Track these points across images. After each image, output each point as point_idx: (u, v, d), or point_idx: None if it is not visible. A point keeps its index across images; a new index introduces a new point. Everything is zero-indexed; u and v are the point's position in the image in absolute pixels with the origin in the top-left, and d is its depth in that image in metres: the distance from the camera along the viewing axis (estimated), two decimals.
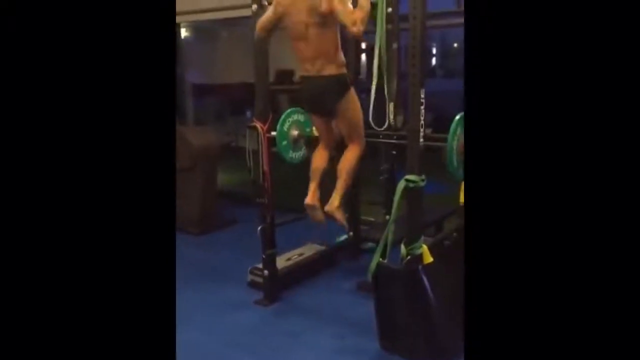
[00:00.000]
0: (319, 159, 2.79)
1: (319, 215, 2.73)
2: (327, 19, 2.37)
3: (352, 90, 2.57)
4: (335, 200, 2.67)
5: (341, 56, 2.51)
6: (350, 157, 2.68)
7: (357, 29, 2.26)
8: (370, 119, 2.89)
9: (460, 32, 1.30)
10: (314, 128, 3.20)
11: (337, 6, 2.30)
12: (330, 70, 2.47)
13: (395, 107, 3.00)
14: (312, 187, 2.73)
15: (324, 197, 2.71)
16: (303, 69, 2.57)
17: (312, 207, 2.71)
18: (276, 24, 2.57)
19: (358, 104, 2.64)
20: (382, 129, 2.93)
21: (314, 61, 2.49)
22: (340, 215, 2.71)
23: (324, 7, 2.32)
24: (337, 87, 2.51)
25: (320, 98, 2.56)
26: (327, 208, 2.67)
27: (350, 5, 2.35)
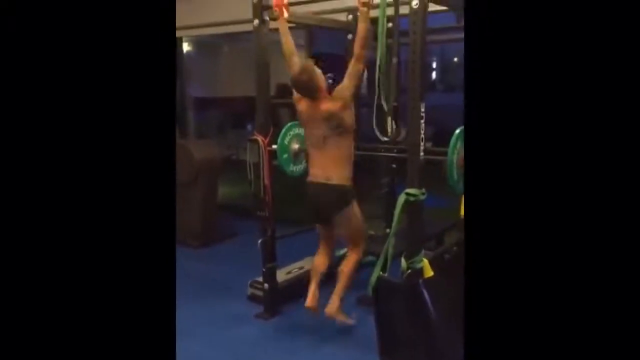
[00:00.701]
0: (319, 262, 2.89)
1: (318, 314, 2.79)
2: (344, 129, 2.55)
3: (355, 203, 2.69)
4: (334, 304, 2.75)
5: (350, 166, 2.64)
6: (351, 262, 2.80)
7: (359, 67, 2.51)
8: (375, 129, 2.94)
9: (460, 46, 1.31)
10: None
11: (346, 91, 2.52)
12: (336, 180, 2.60)
13: (394, 120, 3.03)
14: (312, 289, 2.82)
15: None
16: (311, 174, 2.69)
17: (313, 308, 2.79)
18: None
19: (359, 214, 2.73)
20: (383, 141, 2.95)
21: (324, 169, 2.61)
22: (342, 317, 2.78)
23: (337, 108, 2.51)
24: (341, 199, 2.63)
25: (324, 207, 2.67)
26: (327, 311, 2.74)
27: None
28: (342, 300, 2.77)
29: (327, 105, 2.54)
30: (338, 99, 2.52)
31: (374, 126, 2.93)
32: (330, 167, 2.60)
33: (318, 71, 2.58)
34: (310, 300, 2.78)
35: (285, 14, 2.75)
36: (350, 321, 2.82)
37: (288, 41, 2.74)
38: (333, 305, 2.74)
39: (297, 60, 2.70)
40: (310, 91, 2.56)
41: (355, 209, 2.69)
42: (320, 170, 2.63)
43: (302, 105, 2.64)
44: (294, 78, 2.59)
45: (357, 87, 2.59)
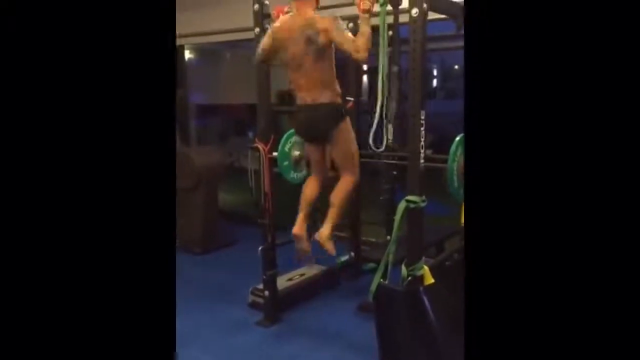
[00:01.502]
0: (310, 189, 2.82)
1: (305, 245, 2.77)
2: (324, 50, 2.48)
3: (347, 120, 2.63)
4: (325, 230, 2.69)
5: (336, 85, 2.59)
6: (343, 187, 2.71)
7: (361, 55, 2.36)
8: (371, 140, 2.91)
9: (460, 54, 1.32)
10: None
11: (336, 37, 2.41)
12: (325, 98, 2.55)
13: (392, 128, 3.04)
14: (300, 217, 2.77)
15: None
16: (299, 98, 2.63)
17: (299, 237, 2.74)
18: (274, 51, 2.64)
19: (352, 134, 2.69)
20: (381, 149, 2.94)
21: (310, 90, 2.57)
22: (329, 245, 2.72)
23: (321, 39, 2.43)
24: (332, 115, 2.58)
25: (316, 126, 2.62)
26: (317, 237, 2.70)
27: (349, 33, 2.44)
28: (333, 227, 2.68)
29: (312, 16, 2.48)
30: (327, 21, 2.44)
31: (371, 137, 2.91)
32: (316, 88, 2.56)
33: None
34: (297, 227, 2.73)
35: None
36: (334, 252, 2.75)
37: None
38: (324, 232, 2.67)
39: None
40: None
41: (347, 125, 2.64)
42: (306, 92, 2.58)
43: (278, 23, 2.58)
44: None
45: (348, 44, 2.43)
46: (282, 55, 2.61)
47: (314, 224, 2.89)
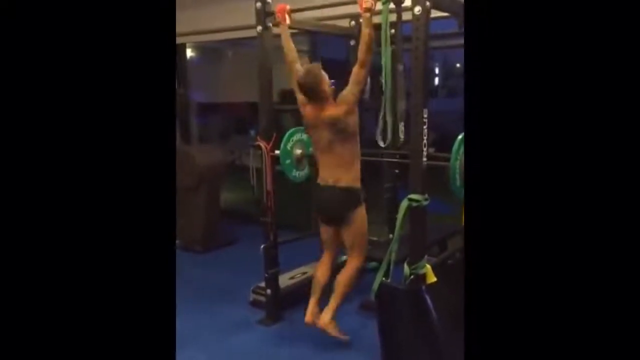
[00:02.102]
0: (322, 272, 2.85)
1: (331, 330, 2.72)
2: (350, 135, 2.57)
3: (363, 205, 2.70)
4: (327, 315, 2.70)
5: (357, 169, 2.66)
6: (350, 271, 2.75)
7: (365, 69, 2.49)
8: (379, 137, 2.93)
9: (463, 52, 1.31)
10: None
11: (351, 99, 2.52)
12: (346, 182, 2.62)
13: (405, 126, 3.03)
14: (312, 302, 2.78)
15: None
16: (320, 178, 2.70)
17: (312, 325, 2.74)
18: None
19: (365, 218, 2.73)
20: (386, 146, 2.95)
21: (332, 171, 2.64)
22: (332, 330, 2.70)
23: (346, 124, 2.53)
24: (351, 199, 2.64)
25: (334, 208, 2.68)
26: (319, 323, 2.70)
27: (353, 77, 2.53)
28: (335, 311, 2.70)
29: (331, 110, 2.54)
30: (342, 104, 2.53)
31: (378, 133, 2.92)
32: (338, 170, 2.62)
33: (324, 74, 2.59)
34: (309, 316, 2.75)
35: (288, 21, 2.76)
36: (344, 337, 2.74)
37: (290, 48, 2.75)
38: (326, 317, 2.70)
39: (298, 67, 2.70)
40: (315, 94, 2.57)
41: (363, 211, 2.70)
42: (328, 173, 2.65)
43: (307, 110, 2.64)
44: (300, 80, 2.59)
45: (361, 92, 2.59)
46: (309, 132, 2.71)
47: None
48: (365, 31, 2.43)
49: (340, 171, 2.61)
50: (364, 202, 2.70)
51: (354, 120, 2.56)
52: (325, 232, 2.84)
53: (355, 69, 2.51)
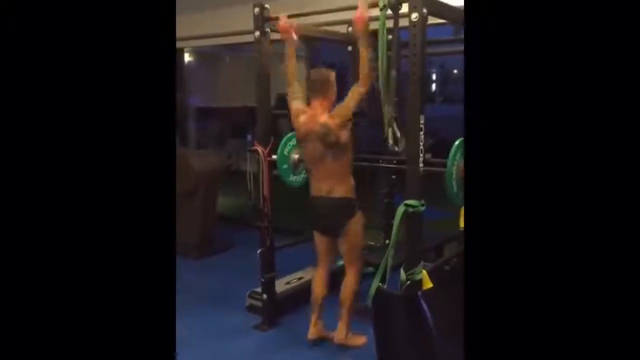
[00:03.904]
0: (319, 286, 2.84)
1: (340, 338, 2.76)
2: (342, 148, 2.58)
3: (359, 214, 2.68)
4: (341, 333, 2.74)
5: (351, 180, 2.66)
6: (350, 283, 2.76)
7: (364, 90, 2.52)
8: (390, 141, 2.92)
9: (460, 59, 1.32)
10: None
11: (344, 115, 2.53)
12: (340, 192, 2.61)
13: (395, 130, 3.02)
14: (313, 318, 2.81)
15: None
16: (314, 189, 2.68)
17: (316, 340, 2.79)
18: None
19: (361, 228, 2.72)
20: (400, 149, 2.95)
21: (325, 182, 2.63)
22: (353, 341, 2.76)
23: (337, 138, 2.53)
24: (346, 209, 2.64)
25: (329, 218, 2.67)
26: (336, 340, 2.75)
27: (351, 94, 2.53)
28: (348, 324, 2.75)
29: (326, 120, 2.55)
30: (337, 117, 2.54)
31: (388, 139, 2.91)
32: (331, 181, 2.62)
33: (333, 78, 2.66)
34: (313, 332, 2.78)
35: (295, 37, 2.75)
36: (362, 340, 2.77)
37: (292, 66, 2.74)
38: (340, 335, 2.74)
39: (297, 87, 2.71)
40: (324, 87, 2.61)
41: (359, 221, 2.69)
42: (322, 184, 2.64)
43: (300, 121, 2.65)
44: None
45: (357, 108, 2.62)
46: (303, 144, 2.72)
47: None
48: (363, 50, 2.46)
49: (333, 182, 2.62)
50: (359, 211, 2.69)
51: (346, 135, 2.56)
52: (321, 243, 2.81)
53: (356, 87, 2.53)
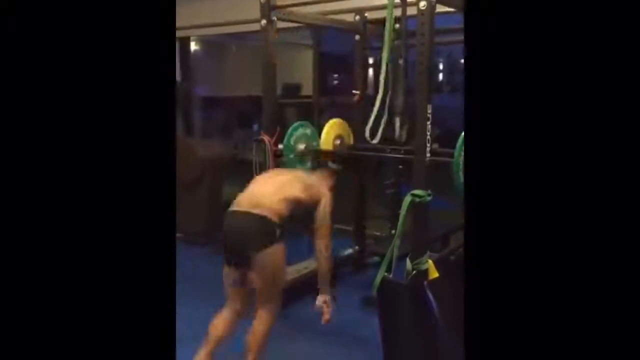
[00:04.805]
0: (220, 326, 2.29)
1: None
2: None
3: (282, 246, 2.16)
4: None
5: (287, 208, 2.18)
6: (260, 329, 2.21)
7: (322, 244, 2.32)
8: (367, 133, 2.91)
9: None
10: (320, 142, 3.22)
11: (320, 211, 2.33)
12: (264, 210, 2.11)
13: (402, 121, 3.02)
14: (203, 354, 2.25)
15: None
16: (235, 202, 2.22)
17: None
18: None
19: (283, 263, 2.24)
20: (376, 142, 2.94)
21: (254, 196, 2.22)
22: None
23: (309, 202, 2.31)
24: (264, 230, 2.09)
25: (241, 240, 2.13)
26: None
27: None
28: None
29: (321, 191, 2.37)
30: (317, 201, 2.32)
31: (367, 129, 2.90)
32: (262, 197, 2.18)
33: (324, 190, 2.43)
34: None
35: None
36: None
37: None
38: None
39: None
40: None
41: (279, 253, 2.15)
42: (248, 197, 2.21)
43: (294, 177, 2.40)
44: None
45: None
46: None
47: None
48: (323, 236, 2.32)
49: (265, 198, 2.16)
50: (282, 242, 2.16)
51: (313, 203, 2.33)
52: (228, 276, 2.22)
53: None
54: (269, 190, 2.22)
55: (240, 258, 2.13)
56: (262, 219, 2.10)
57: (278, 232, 2.12)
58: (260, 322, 2.21)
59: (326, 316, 2.37)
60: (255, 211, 2.11)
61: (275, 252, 2.12)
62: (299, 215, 2.30)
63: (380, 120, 2.90)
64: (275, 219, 2.12)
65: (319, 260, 2.34)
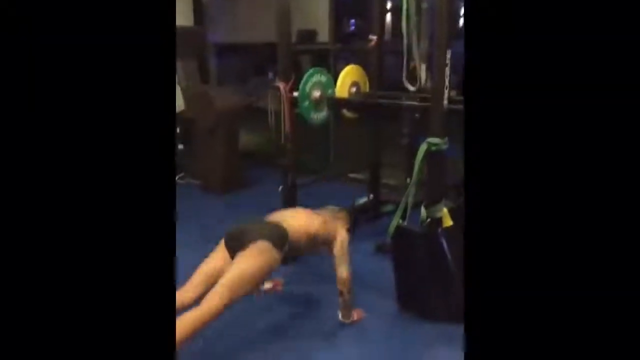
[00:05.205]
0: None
1: None
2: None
3: (278, 256, 2.16)
4: None
5: (304, 240, 2.37)
6: (188, 319, 1.82)
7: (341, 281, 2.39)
8: (404, 78, 2.87)
9: None
10: (336, 89, 3.18)
11: (336, 250, 2.43)
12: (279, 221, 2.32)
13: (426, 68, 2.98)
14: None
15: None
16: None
17: None
18: None
19: (268, 269, 2.13)
20: (415, 89, 2.92)
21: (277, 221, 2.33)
22: None
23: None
24: (274, 231, 2.20)
25: (247, 229, 2.21)
26: None
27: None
28: None
29: (337, 230, 2.47)
30: (329, 234, 2.44)
31: (405, 77, 2.86)
32: (284, 222, 2.31)
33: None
34: None
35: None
36: None
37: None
38: None
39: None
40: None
41: (272, 257, 2.13)
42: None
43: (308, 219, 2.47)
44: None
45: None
46: None
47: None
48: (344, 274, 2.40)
49: (286, 224, 2.28)
50: (266, 242, 2.12)
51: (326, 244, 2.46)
52: (215, 259, 2.16)
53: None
54: (291, 223, 2.31)
55: (238, 242, 2.13)
56: (277, 225, 2.25)
57: (286, 247, 2.20)
58: (191, 315, 1.85)
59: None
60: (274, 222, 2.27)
61: (270, 251, 2.11)
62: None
63: (414, 67, 2.86)
64: (291, 237, 2.24)
65: (339, 282, 2.42)
